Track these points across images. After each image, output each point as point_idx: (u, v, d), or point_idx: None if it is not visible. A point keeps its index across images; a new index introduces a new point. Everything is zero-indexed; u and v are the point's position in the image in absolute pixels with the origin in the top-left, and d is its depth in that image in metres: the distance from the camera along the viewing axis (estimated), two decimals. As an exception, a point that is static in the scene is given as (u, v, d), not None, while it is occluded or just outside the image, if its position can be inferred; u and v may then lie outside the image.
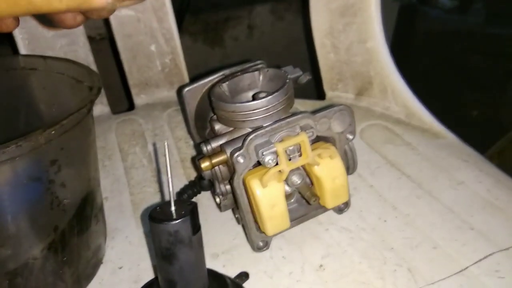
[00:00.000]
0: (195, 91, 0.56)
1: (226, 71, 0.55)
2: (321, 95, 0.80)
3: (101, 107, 0.80)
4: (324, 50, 0.76)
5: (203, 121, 0.56)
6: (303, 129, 0.44)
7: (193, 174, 0.63)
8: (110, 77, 0.97)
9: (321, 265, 0.47)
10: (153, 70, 0.81)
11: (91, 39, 0.81)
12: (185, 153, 0.68)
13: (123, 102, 0.93)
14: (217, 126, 0.51)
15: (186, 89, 0.56)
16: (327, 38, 0.75)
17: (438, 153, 0.62)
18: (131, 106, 0.84)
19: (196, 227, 0.35)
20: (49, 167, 0.37)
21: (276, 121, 0.44)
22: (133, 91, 0.82)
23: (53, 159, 0.37)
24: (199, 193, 0.58)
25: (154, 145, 0.70)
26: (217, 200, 0.52)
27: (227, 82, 0.51)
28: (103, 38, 1.13)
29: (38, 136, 0.34)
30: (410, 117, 0.70)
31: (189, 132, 0.62)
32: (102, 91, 0.78)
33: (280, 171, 0.43)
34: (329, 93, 0.79)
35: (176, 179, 0.62)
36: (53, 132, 0.34)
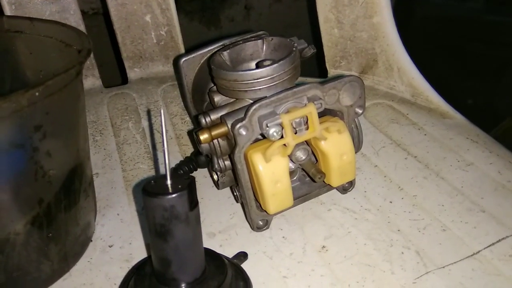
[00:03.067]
0: (193, 61, 0.53)
1: (226, 41, 0.51)
2: (322, 74, 0.78)
3: (92, 80, 0.77)
4: (327, 25, 0.73)
5: (201, 94, 0.53)
6: (310, 100, 0.41)
7: (189, 151, 0.60)
8: (104, 54, 0.93)
9: (323, 246, 0.45)
10: (147, 43, 0.78)
11: (83, 13, 0.77)
12: (180, 130, 0.65)
13: (117, 81, 0.90)
14: (217, 98, 0.48)
15: (183, 59, 0.52)
16: (332, 12, 0.72)
17: (445, 133, 0.60)
18: (124, 83, 0.80)
19: (193, 203, 0.34)
20: (33, 133, 0.34)
21: (281, 91, 0.41)
22: (127, 64, 0.78)
23: (37, 124, 0.34)
24: (195, 169, 0.55)
25: (148, 113, 0.67)
26: (215, 177, 0.50)
27: (228, 51, 0.47)
28: (96, 13, 1.09)
29: (20, 97, 0.30)
30: (416, 96, 0.67)
31: (186, 106, 0.59)
32: (94, 61, 0.75)
33: (285, 144, 0.41)
34: (331, 71, 0.76)
35: (171, 156, 0.59)
36: (37, 93, 0.31)
